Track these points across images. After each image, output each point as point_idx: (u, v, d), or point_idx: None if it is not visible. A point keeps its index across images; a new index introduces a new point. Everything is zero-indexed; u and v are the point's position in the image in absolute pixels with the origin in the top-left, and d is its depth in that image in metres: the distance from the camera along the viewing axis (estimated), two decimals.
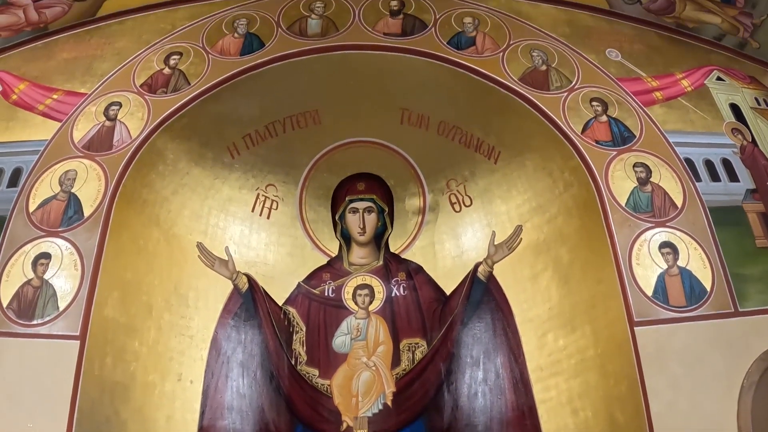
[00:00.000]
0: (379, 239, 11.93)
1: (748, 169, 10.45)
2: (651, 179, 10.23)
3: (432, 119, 11.65)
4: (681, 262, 9.62)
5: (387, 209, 11.95)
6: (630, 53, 11.57)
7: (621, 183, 10.19)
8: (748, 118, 11.03)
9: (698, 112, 10.93)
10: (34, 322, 9.11)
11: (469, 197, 11.84)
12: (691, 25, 11.77)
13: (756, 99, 11.36)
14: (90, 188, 9.97)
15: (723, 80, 11.43)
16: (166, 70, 11.04)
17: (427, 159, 12.00)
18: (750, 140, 10.78)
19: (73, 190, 9.92)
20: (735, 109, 11.13)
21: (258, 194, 11.81)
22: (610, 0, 11.87)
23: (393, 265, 11.75)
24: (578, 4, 11.98)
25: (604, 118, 10.76)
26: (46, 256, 9.50)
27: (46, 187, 9.97)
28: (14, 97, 10.76)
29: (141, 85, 10.86)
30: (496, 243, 11.40)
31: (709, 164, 10.46)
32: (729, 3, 11.19)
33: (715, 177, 10.37)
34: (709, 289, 9.44)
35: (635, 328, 9.26)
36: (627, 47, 11.59)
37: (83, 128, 10.47)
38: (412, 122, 11.71)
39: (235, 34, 11.43)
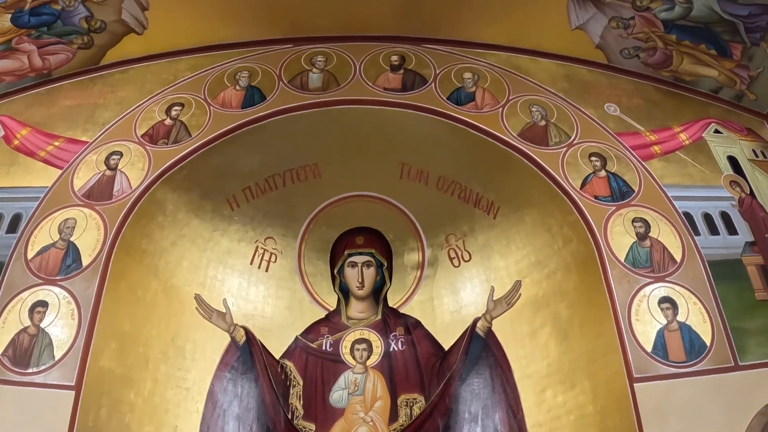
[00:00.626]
0: (377, 293, 11.84)
1: (747, 221, 10.43)
2: (650, 234, 10.22)
3: (431, 174, 11.69)
4: (680, 317, 9.56)
5: (386, 263, 11.90)
6: (628, 107, 11.64)
7: (620, 238, 10.18)
8: (746, 170, 11.03)
9: (696, 166, 10.95)
10: (29, 370, 9.04)
11: (468, 252, 11.82)
12: (689, 78, 11.84)
13: (753, 151, 11.37)
14: (89, 237, 9.97)
15: (721, 133, 11.46)
16: (168, 121, 11.13)
17: (427, 214, 12.00)
18: (748, 192, 10.77)
19: (72, 239, 9.92)
20: (733, 161, 11.13)
21: (257, 247, 11.80)
22: (608, 54, 11.94)
23: (391, 320, 11.66)
24: (577, 59, 12.09)
25: (602, 173, 10.78)
26: (44, 304, 9.46)
27: (45, 235, 9.97)
28: (16, 142, 10.84)
29: (142, 135, 10.94)
30: (494, 298, 11.34)
31: (707, 218, 10.46)
32: (725, 56, 11.27)
33: (713, 230, 10.37)
34: (708, 344, 9.36)
35: (635, 384, 9.17)
36: (625, 101, 11.68)
37: (84, 176, 10.51)
38: (412, 177, 11.75)
39: (237, 87, 11.54)
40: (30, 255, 9.78)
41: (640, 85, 11.99)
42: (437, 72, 11.79)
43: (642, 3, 11.04)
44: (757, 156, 11.24)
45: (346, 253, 11.91)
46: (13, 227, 10.02)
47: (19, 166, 10.62)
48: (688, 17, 10.95)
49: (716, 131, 11.42)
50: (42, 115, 11.26)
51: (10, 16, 10.34)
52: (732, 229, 10.35)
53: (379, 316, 11.69)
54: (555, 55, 12.14)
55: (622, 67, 12.05)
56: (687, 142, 11.22)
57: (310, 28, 11.97)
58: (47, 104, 11.44)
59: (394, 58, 11.96)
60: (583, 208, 10.45)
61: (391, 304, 11.86)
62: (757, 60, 11.15)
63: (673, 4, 10.90)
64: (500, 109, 11.37)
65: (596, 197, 10.52)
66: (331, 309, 11.80)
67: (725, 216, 10.49)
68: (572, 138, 11.11)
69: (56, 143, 10.81)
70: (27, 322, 9.33)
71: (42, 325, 9.33)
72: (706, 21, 10.95)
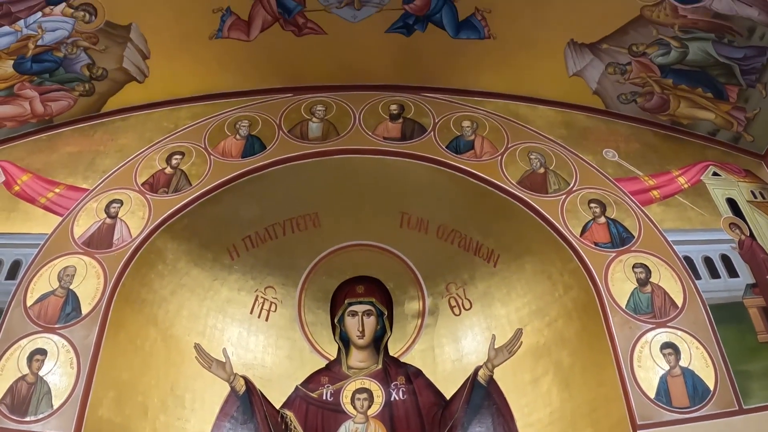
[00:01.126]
0: (378, 342, 11.74)
1: (747, 263, 10.40)
2: (651, 279, 10.19)
3: (431, 223, 11.72)
4: (683, 362, 9.48)
5: (386, 312, 11.80)
6: (627, 152, 11.69)
7: (621, 285, 10.14)
8: (745, 211, 11.02)
9: (696, 209, 10.96)
10: (27, 418, 8.97)
11: (469, 300, 11.77)
12: (686, 121, 11.90)
13: (752, 192, 11.37)
14: (89, 285, 9.96)
15: (719, 175, 11.47)
16: (168, 170, 11.18)
17: (427, 262, 11.98)
18: (748, 234, 10.75)
19: (71, 287, 9.91)
20: (732, 203, 11.13)
21: (257, 296, 11.76)
22: (605, 100, 12.02)
23: (392, 369, 11.55)
24: (575, 105, 12.17)
25: (602, 219, 10.79)
26: (42, 352, 9.41)
27: (44, 282, 9.96)
28: (17, 188, 10.87)
29: (143, 184, 10.98)
30: (496, 347, 11.25)
31: (708, 261, 10.43)
32: (722, 98, 11.32)
33: (714, 274, 10.33)
34: (712, 388, 9.26)
35: None
36: (624, 147, 11.74)
37: (84, 224, 10.54)
38: (412, 226, 11.78)
39: (237, 136, 11.62)
40: (29, 302, 9.75)
41: (637, 130, 12.06)
42: (436, 120, 11.88)
43: (638, 48, 11.14)
44: (755, 197, 11.24)
45: (346, 302, 11.83)
46: (12, 274, 10.01)
47: (20, 212, 10.65)
48: (684, 61, 11.04)
49: (714, 174, 11.45)
50: (43, 161, 11.31)
51: (12, 62, 10.45)
52: (733, 272, 10.31)
53: (380, 365, 11.58)
54: (553, 101, 12.24)
55: (619, 112, 12.13)
56: (686, 186, 11.24)
57: (310, 77, 12.11)
58: (48, 151, 11.50)
59: (393, 107, 12.07)
60: (584, 255, 10.43)
61: (391, 353, 11.75)
62: (753, 101, 11.21)
63: (669, 48, 11.01)
64: (499, 157, 11.42)
65: (596, 244, 10.51)
66: (332, 358, 11.69)
67: (726, 259, 10.46)
68: (571, 185, 11.14)
69: (57, 190, 10.85)
70: (25, 370, 9.25)
71: (40, 373, 9.25)
72: (702, 65, 11.06)
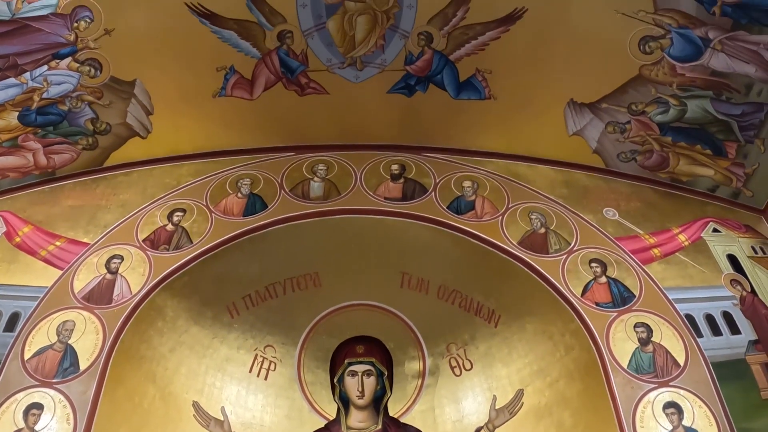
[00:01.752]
0: (378, 402, 11.46)
1: (749, 319, 10.34)
2: (652, 339, 10.13)
3: (432, 283, 11.70)
4: (686, 422, 9.37)
5: (386, 372, 11.63)
6: (627, 211, 11.72)
7: (622, 345, 10.08)
8: (746, 267, 10.99)
9: (697, 267, 10.93)
10: None
11: (470, 361, 11.65)
12: (685, 178, 11.95)
13: (753, 247, 11.35)
14: (87, 341, 9.90)
15: (719, 231, 11.48)
16: (170, 227, 11.22)
17: (427, 323, 11.89)
18: (749, 290, 10.70)
19: (70, 342, 9.85)
20: (732, 259, 11.12)
21: (256, 355, 11.64)
22: (605, 159, 12.09)
23: (392, 430, 11.31)
24: (575, 165, 12.23)
25: (603, 279, 10.76)
26: (39, 406, 9.32)
27: (43, 336, 9.90)
28: (17, 239, 10.89)
29: (144, 240, 11.01)
30: (497, 407, 11.06)
31: (709, 318, 10.38)
32: (721, 155, 11.37)
33: (716, 331, 10.27)
34: None
35: None
36: (624, 205, 11.77)
37: (84, 279, 10.53)
38: (412, 286, 11.75)
39: (239, 194, 11.67)
40: (27, 355, 9.68)
41: (637, 188, 12.10)
42: (437, 181, 11.93)
43: (637, 107, 11.25)
44: (756, 252, 11.23)
45: (346, 362, 11.58)
46: (11, 326, 9.96)
47: (20, 264, 10.64)
48: (682, 119, 11.13)
49: (715, 230, 11.45)
50: (44, 213, 11.34)
51: (17, 113, 10.56)
52: (735, 329, 10.25)
53: (380, 426, 11.36)
54: (553, 161, 12.30)
55: (619, 170, 12.18)
56: (686, 243, 11.25)
57: (312, 136, 12.21)
58: (50, 203, 11.54)
59: (395, 167, 12.14)
60: (585, 315, 10.40)
61: (391, 413, 11.51)
62: (752, 157, 11.26)
63: (668, 107, 11.11)
64: (500, 217, 11.45)
65: (597, 304, 10.48)
66: (331, 418, 11.46)
67: (727, 316, 10.40)
68: (572, 245, 11.15)
69: (57, 243, 10.86)
70: (21, 424, 9.16)
71: (36, 427, 9.15)
72: (701, 122, 11.14)
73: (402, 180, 11.94)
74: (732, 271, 10.96)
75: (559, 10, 10.65)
